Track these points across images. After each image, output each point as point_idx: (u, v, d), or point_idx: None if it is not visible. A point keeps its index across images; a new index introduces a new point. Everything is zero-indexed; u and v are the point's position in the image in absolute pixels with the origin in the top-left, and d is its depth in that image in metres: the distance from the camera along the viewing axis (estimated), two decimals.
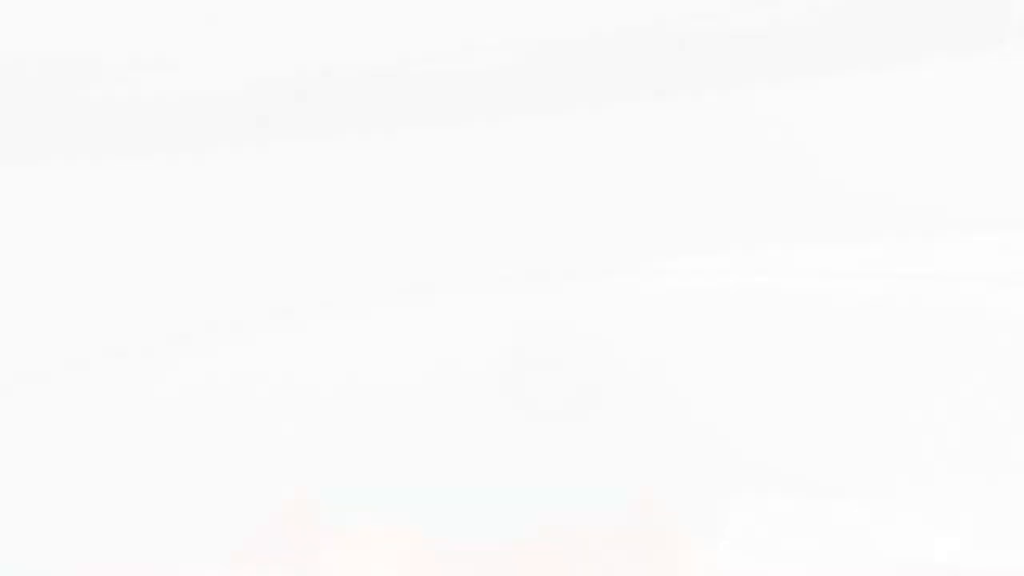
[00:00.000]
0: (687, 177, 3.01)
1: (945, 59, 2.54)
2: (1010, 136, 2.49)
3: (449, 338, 2.24)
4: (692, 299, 2.18)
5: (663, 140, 3.04)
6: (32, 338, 1.67)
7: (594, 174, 3.17)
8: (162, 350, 1.87)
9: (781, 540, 1.86)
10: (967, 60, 2.48)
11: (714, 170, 2.94)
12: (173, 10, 1.76)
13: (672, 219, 2.88)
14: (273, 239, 2.33)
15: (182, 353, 1.91)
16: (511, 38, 2.71)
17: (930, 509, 1.81)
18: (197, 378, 1.88)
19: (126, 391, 1.74)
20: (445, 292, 2.33)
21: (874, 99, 2.76)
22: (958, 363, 1.77)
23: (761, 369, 2.13)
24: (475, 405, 2.25)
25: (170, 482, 1.51)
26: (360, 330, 2.22)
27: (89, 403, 1.71)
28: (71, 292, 1.69)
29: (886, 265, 2.00)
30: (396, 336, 2.24)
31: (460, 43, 2.32)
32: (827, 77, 2.87)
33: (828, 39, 2.82)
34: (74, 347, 1.76)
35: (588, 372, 2.23)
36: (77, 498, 1.55)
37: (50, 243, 1.68)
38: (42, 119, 1.74)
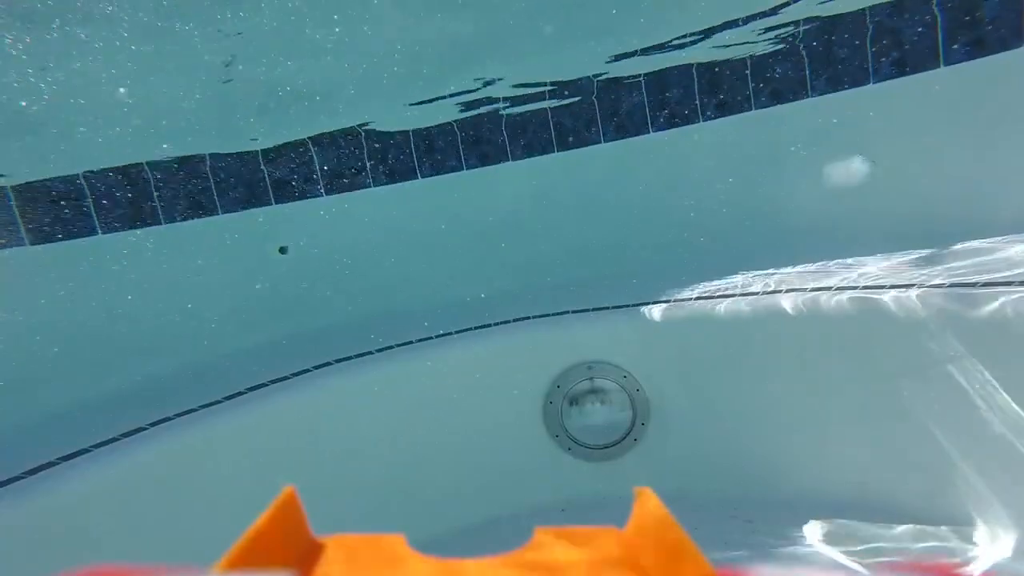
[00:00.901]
0: (693, 202, 3.04)
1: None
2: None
3: (489, 372, 2.28)
4: (715, 322, 2.19)
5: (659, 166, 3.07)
6: None
7: (610, 202, 3.23)
8: None
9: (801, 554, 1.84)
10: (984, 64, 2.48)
11: (725, 190, 2.97)
12: None
13: (690, 246, 2.90)
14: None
15: None
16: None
17: (968, 523, 1.78)
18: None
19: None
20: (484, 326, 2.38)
21: (881, 107, 2.78)
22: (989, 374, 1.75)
23: (789, 384, 2.13)
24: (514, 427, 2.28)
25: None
26: (404, 363, 2.28)
27: None
28: None
29: (912, 276, 1.99)
30: (439, 368, 2.29)
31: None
32: (831, 86, 2.91)
33: (825, 52, 2.87)
34: None
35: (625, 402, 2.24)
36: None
37: None
38: None
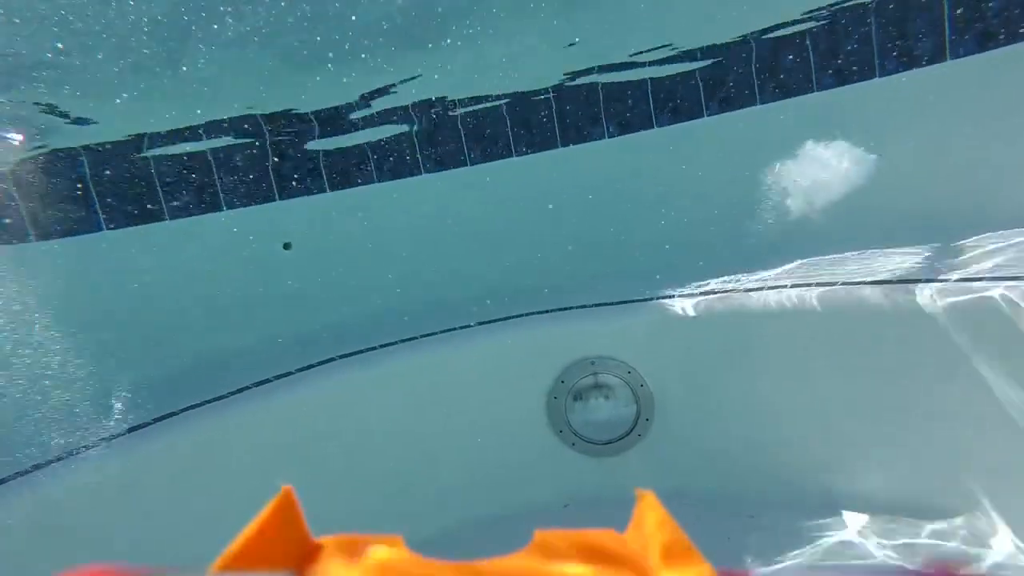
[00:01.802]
0: (702, 200, 3.03)
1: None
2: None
3: (493, 369, 2.29)
4: (720, 317, 2.19)
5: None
6: None
7: (607, 203, 3.22)
8: None
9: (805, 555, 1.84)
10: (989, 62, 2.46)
11: (730, 190, 2.96)
12: None
13: (694, 243, 2.89)
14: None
15: None
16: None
17: (974, 521, 1.78)
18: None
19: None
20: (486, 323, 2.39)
21: (881, 105, 2.76)
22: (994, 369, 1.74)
23: (792, 380, 2.12)
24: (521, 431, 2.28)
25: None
26: (404, 363, 2.29)
27: None
28: None
29: (917, 271, 1.98)
30: (441, 368, 2.30)
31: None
32: (834, 84, 2.89)
33: (835, 46, 2.85)
34: None
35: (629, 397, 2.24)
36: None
37: None
38: None
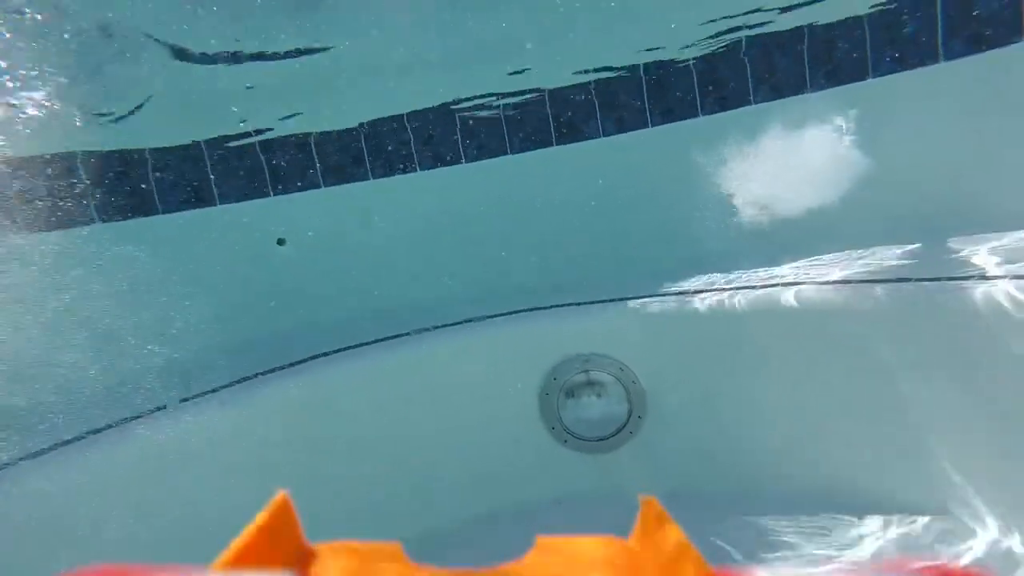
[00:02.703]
0: (704, 195, 3.03)
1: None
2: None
3: (485, 364, 2.28)
4: (718, 313, 2.19)
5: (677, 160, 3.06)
6: None
7: (604, 199, 3.22)
8: None
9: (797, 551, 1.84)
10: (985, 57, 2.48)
11: (734, 187, 2.95)
12: None
13: (689, 238, 2.89)
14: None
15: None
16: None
17: (969, 518, 1.78)
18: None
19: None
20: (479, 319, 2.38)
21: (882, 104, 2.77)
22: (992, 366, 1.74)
23: (787, 378, 2.12)
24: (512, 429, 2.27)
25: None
26: (400, 356, 2.27)
27: None
28: None
29: (909, 270, 1.98)
30: (432, 362, 2.29)
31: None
32: (837, 83, 2.90)
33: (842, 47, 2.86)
34: None
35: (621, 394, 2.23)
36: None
37: None
38: None
